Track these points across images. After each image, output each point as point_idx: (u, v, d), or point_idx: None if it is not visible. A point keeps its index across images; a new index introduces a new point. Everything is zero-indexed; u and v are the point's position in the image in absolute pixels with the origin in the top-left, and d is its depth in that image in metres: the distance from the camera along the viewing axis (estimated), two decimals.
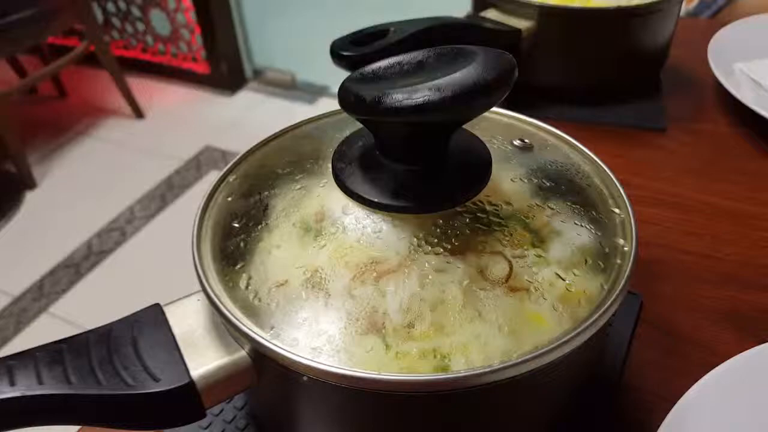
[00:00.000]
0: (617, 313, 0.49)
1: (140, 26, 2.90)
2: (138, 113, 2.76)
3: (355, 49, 0.64)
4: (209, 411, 0.51)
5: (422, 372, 0.39)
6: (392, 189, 0.43)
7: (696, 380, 0.49)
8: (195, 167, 2.61)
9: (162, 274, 1.85)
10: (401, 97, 0.38)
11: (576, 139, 0.53)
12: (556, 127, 0.54)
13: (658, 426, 0.48)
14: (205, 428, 0.50)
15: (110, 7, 2.89)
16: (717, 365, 0.49)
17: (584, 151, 0.52)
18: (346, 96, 0.42)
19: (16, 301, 2.03)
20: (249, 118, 2.84)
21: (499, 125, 0.57)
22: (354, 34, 0.66)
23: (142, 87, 2.94)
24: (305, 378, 0.35)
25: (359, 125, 0.47)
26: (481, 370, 0.35)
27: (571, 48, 0.85)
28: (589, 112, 0.88)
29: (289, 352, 0.36)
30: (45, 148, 2.68)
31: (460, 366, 0.38)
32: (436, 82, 0.38)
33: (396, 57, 0.44)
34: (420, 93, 0.37)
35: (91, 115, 2.84)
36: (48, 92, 2.95)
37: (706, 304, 0.60)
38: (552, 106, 0.88)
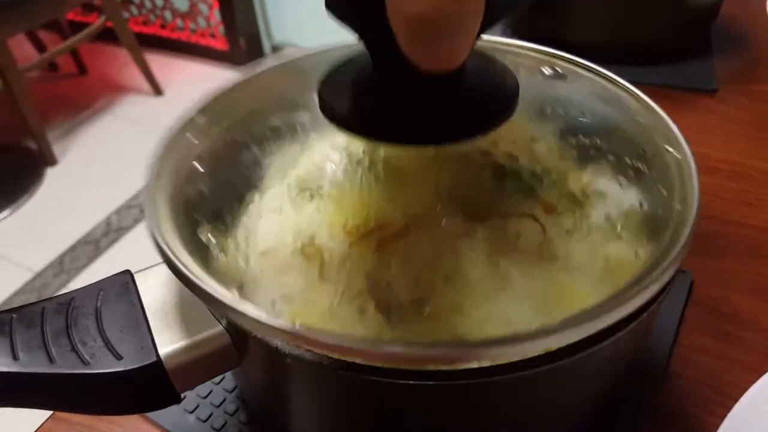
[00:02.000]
0: (667, 290, 0.41)
1: (159, 1, 2.86)
2: (157, 90, 2.72)
3: None
4: (196, 393, 0.45)
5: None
6: (393, 113, 0.33)
7: (758, 372, 0.42)
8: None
9: None
10: None
11: None
12: None
13: (712, 422, 0.41)
14: (191, 412, 0.44)
15: None
16: None
17: (631, 90, 0.44)
18: None
19: (36, 276, 2.03)
20: None
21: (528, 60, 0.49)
22: None
23: (161, 64, 2.90)
24: (289, 360, 0.29)
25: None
26: (499, 345, 0.28)
27: (612, 2, 0.77)
28: (631, 72, 0.79)
29: (270, 326, 0.30)
30: (65, 124, 2.66)
31: None
32: None
33: None
34: None
35: (110, 92, 2.81)
36: (68, 69, 2.94)
37: (767, 284, 0.52)
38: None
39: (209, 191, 0.43)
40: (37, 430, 0.45)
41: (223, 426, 0.43)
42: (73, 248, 2.15)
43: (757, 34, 0.85)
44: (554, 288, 0.34)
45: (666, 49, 0.81)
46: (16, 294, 1.96)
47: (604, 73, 0.46)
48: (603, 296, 0.34)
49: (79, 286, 0.36)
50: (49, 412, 0.45)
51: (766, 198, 0.61)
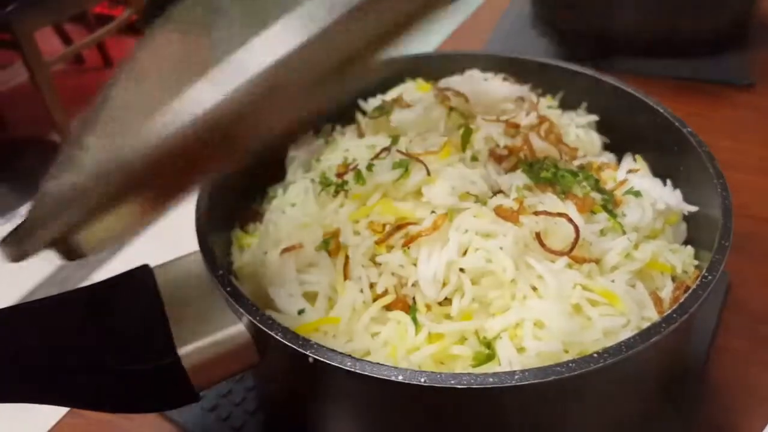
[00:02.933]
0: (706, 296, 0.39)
1: None
2: None
3: None
4: (215, 391, 0.45)
5: (459, 356, 0.31)
6: None
7: None
8: None
9: None
10: None
11: (649, 94, 0.43)
12: (627, 82, 0.44)
13: (748, 427, 0.39)
14: (210, 410, 0.43)
15: None
16: None
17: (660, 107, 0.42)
18: None
19: (59, 269, 2.05)
20: None
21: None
22: None
23: None
24: (311, 359, 0.28)
25: None
26: (532, 376, 0.26)
27: None
28: (667, 65, 0.76)
29: (294, 337, 0.29)
30: None
31: (508, 354, 0.30)
32: None
33: None
34: None
35: None
36: (94, 62, 2.96)
37: None
38: (623, 59, 0.77)
39: (236, 188, 0.42)
40: (54, 426, 0.44)
41: (242, 426, 0.42)
42: None
43: None
44: (587, 290, 0.32)
45: (702, 42, 0.77)
46: (38, 287, 1.99)
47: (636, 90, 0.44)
48: (638, 298, 0.33)
49: (100, 280, 0.35)
50: (65, 409, 0.45)
51: None
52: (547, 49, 0.81)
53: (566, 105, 0.48)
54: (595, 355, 0.27)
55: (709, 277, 0.30)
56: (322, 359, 0.28)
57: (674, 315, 0.28)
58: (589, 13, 0.75)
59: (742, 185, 0.60)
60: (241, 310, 0.30)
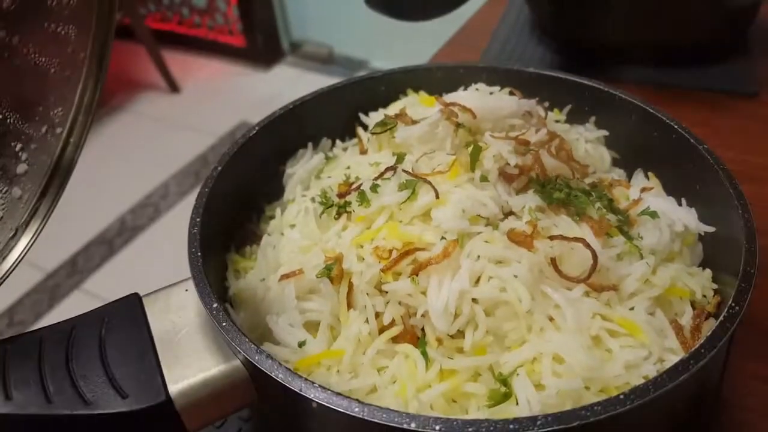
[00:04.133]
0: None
1: None
2: (174, 87, 2.71)
3: None
4: None
5: (473, 394, 0.29)
6: None
7: None
8: (230, 144, 2.55)
9: None
10: None
11: (653, 104, 0.42)
12: (632, 91, 0.43)
13: None
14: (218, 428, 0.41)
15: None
16: None
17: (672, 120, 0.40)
18: None
19: (49, 276, 2.01)
20: (285, 94, 2.75)
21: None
22: None
23: (178, 61, 2.88)
24: (315, 405, 0.26)
25: None
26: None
27: (651, 3, 0.72)
28: (670, 74, 0.75)
29: (295, 379, 0.26)
30: None
31: (526, 392, 0.28)
32: None
33: None
34: None
35: (127, 89, 2.80)
36: None
37: None
38: (627, 68, 0.75)
39: (230, 206, 0.40)
40: None
41: None
42: (86, 248, 2.14)
43: None
44: (606, 320, 0.30)
45: (705, 51, 0.76)
46: (28, 294, 1.95)
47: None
48: (659, 327, 0.31)
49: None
50: None
51: None
52: (544, 57, 0.79)
53: (574, 119, 0.46)
54: (622, 396, 0.25)
55: (736, 308, 0.28)
56: (326, 404, 0.25)
57: (702, 350, 0.27)
58: (589, 23, 0.73)
59: (751, 197, 0.59)
60: (238, 348, 0.28)
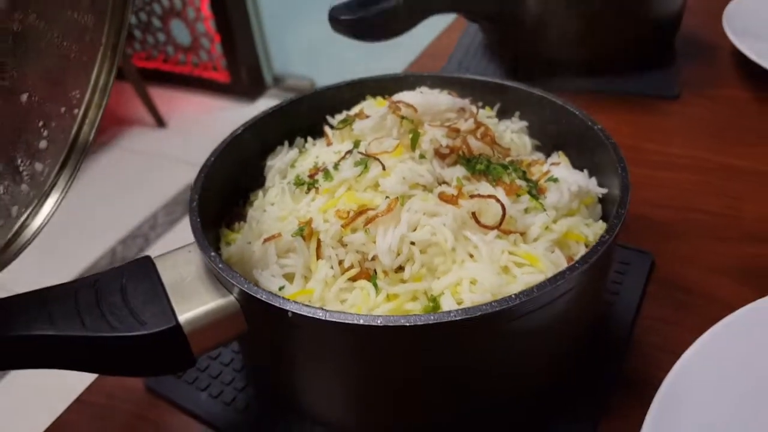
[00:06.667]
0: (627, 272, 0.47)
1: (161, 36, 2.96)
2: (160, 122, 2.80)
3: (353, 13, 0.63)
4: (208, 374, 0.51)
5: (411, 311, 0.38)
6: None
7: None
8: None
9: None
10: None
11: (585, 108, 0.51)
12: (565, 97, 0.52)
13: None
14: (203, 389, 0.49)
15: (131, 18, 2.95)
16: None
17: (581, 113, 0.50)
18: None
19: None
20: None
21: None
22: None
23: (164, 97, 2.99)
24: (290, 314, 0.34)
25: None
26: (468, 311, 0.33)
27: (581, 15, 0.83)
28: (598, 81, 0.86)
29: (276, 298, 0.35)
30: None
31: (449, 305, 0.37)
32: None
33: None
34: None
35: (114, 125, 2.89)
36: None
37: (725, 261, 0.57)
38: (566, 79, 0.86)
39: (224, 196, 0.49)
40: (62, 413, 0.50)
41: (233, 400, 0.48)
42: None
43: (716, 45, 0.92)
44: (513, 254, 0.39)
45: (633, 60, 0.87)
46: None
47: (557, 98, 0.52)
48: (555, 260, 0.40)
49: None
50: (69, 401, 0.50)
51: (723, 187, 0.66)
52: (495, 73, 0.90)
53: (503, 115, 0.56)
54: (513, 295, 0.34)
55: (607, 237, 0.38)
56: (299, 312, 0.34)
57: (576, 265, 0.36)
58: (528, 41, 0.84)
59: (668, 181, 0.70)
60: (232, 281, 0.37)
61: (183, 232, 2.33)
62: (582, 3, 0.80)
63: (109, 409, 0.50)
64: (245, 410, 0.47)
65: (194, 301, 0.39)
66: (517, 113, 0.55)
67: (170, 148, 2.73)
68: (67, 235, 2.41)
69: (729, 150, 0.72)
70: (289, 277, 0.43)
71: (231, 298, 0.39)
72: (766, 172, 0.68)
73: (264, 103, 2.99)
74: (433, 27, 0.95)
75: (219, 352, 0.51)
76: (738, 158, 0.70)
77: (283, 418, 0.46)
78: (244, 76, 2.92)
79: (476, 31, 1.01)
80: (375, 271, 0.40)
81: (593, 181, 0.48)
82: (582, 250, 0.42)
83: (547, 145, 0.54)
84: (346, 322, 0.33)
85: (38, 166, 0.37)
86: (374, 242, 0.40)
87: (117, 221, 2.44)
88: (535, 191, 0.45)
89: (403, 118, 0.48)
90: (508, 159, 0.49)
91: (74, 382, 0.50)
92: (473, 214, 0.41)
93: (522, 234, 0.41)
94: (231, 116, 2.97)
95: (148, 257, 0.42)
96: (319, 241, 0.42)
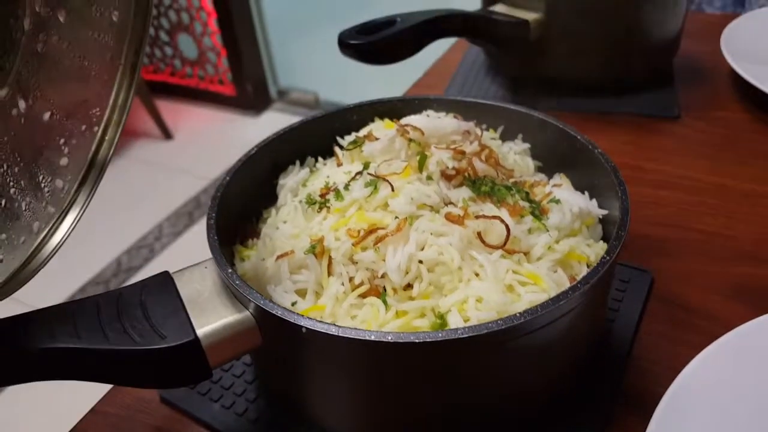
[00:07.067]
0: (627, 289, 0.49)
1: (168, 50, 3.01)
2: (167, 134, 2.84)
3: (361, 38, 0.66)
4: (220, 385, 0.52)
5: (419, 327, 0.40)
6: None
7: None
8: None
9: None
10: None
11: (586, 129, 0.53)
12: (566, 119, 0.54)
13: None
14: (216, 401, 0.51)
15: None
16: None
17: (583, 137, 0.52)
18: None
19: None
20: None
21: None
22: (362, 24, 0.68)
23: (171, 109, 3.03)
24: (304, 330, 0.36)
25: None
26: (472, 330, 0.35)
27: (581, 38, 0.85)
28: (599, 103, 0.88)
29: (290, 314, 0.37)
30: None
31: (456, 322, 0.39)
32: None
33: None
34: None
35: (123, 137, 2.93)
36: None
37: (721, 279, 0.59)
38: (563, 98, 0.88)
39: (237, 213, 0.51)
40: (79, 422, 0.51)
41: (244, 411, 0.50)
42: (82, 289, 2.22)
43: (715, 67, 0.94)
44: (517, 273, 0.41)
45: (633, 82, 0.89)
46: None
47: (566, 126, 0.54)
48: (558, 279, 0.42)
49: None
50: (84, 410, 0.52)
51: (719, 207, 0.68)
52: (496, 94, 0.92)
53: (507, 137, 0.58)
54: (518, 314, 0.36)
55: (607, 258, 0.40)
56: (312, 328, 0.36)
57: (578, 285, 0.37)
58: (530, 63, 0.86)
59: (667, 200, 0.71)
60: (248, 297, 0.39)
61: (188, 243, 2.36)
62: (583, 26, 0.82)
63: (125, 420, 0.51)
64: (256, 421, 0.49)
65: (212, 316, 0.40)
66: (520, 135, 0.57)
67: (176, 159, 2.77)
68: (73, 245, 2.43)
69: (725, 170, 0.74)
70: (301, 293, 0.44)
71: (247, 313, 0.41)
72: (761, 193, 0.70)
73: (269, 116, 3.03)
74: (437, 45, 0.98)
75: (231, 365, 0.53)
76: (733, 179, 0.72)
77: (293, 429, 0.47)
78: (250, 89, 2.96)
79: (478, 51, 1.03)
80: (384, 288, 0.42)
81: (594, 202, 0.49)
82: (584, 270, 0.44)
83: (549, 166, 0.56)
84: (358, 338, 0.35)
85: (59, 183, 0.38)
86: (384, 260, 0.42)
87: (122, 232, 2.47)
88: (538, 212, 0.47)
89: (410, 140, 0.50)
90: (511, 180, 0.51)
91: (87, 394, 0.52)
92: (479, 234, 0.43)
93: (526, 254, 0.43)
94: (236, 129, 3.00)
95: (166, 272, 0.44)
96: (330, 259, 0.44)
